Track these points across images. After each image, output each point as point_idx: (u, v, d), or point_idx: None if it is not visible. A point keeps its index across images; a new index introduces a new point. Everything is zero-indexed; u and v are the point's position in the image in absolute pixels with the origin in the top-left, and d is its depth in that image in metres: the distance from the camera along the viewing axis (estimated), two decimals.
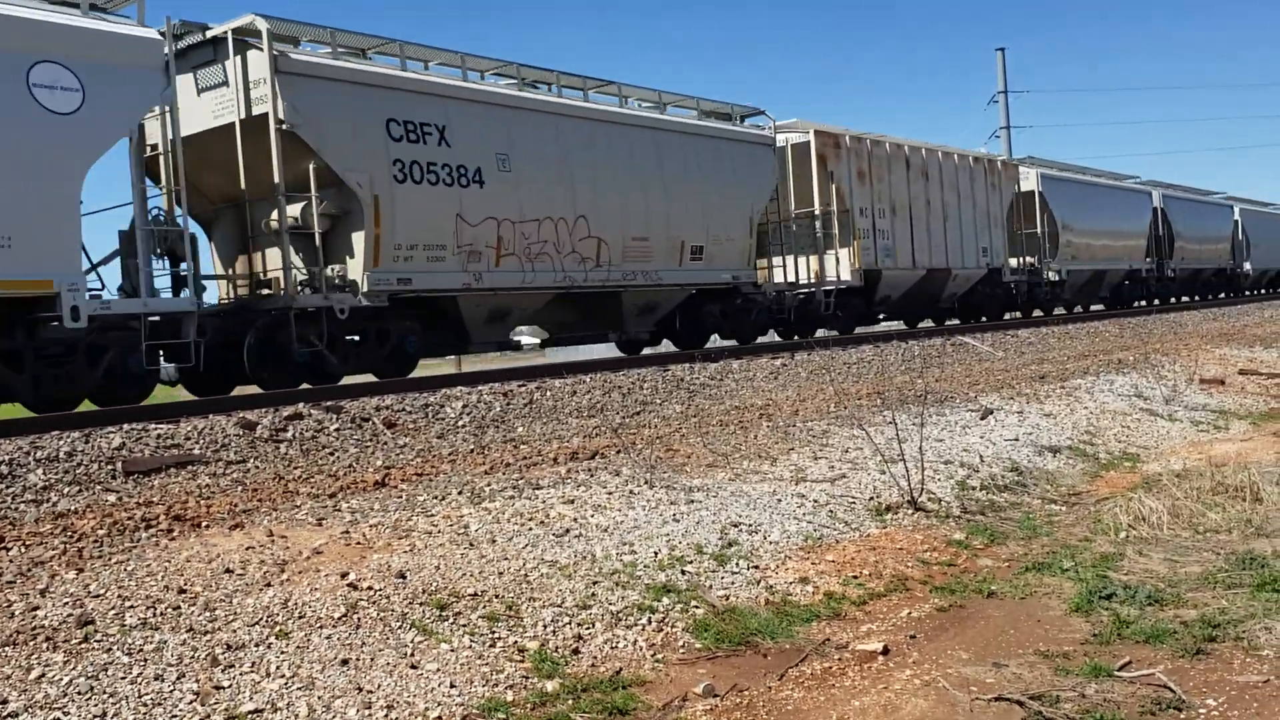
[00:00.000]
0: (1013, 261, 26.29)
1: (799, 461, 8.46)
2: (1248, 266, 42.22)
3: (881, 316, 23.23)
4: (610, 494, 6.96)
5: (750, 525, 6.66)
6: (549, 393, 11.00)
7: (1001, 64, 45.55)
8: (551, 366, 13.24)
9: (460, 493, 6.86)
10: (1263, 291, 45.12)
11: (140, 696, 3.96)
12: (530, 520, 6.26)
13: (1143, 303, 33.89)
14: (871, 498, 7.62)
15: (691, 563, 5.94)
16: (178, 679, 4.10)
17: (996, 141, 44.18)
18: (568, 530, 6.12)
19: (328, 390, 10.91)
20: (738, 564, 6.04)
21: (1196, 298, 38.33)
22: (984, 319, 25.20)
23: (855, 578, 6.13)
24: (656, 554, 5.96)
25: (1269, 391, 14.50)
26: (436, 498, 6.75)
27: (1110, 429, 11.09)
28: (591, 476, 7.41)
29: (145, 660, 4.20)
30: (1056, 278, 28.25)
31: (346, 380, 12.57)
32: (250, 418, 8.91)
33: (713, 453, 8.57)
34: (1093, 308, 32.79)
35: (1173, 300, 35.91)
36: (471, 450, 8.64)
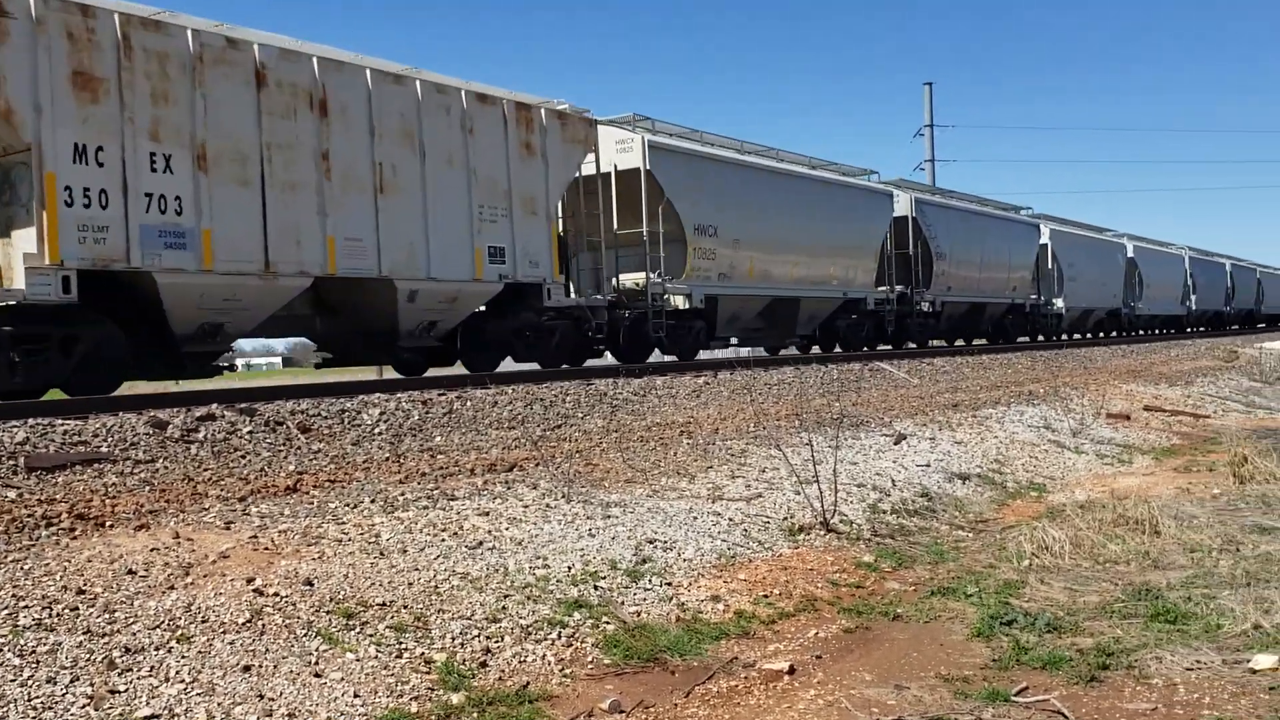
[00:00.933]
0: (617, 283, 16.65)
1: (717, 480, 8.52)
2: (1059, 304, 33.51)
3: (226, 365, 12.70)
4: (526, 507, 6.94)
5: (665, 542, 6.70)
6: (470, 403, 10.94)
7: (928, 98, 46.55)
8: (475, 376, 13.15)
9: (373, 501, 6.79)
10: (1086, 337, 37.08)
11: (30, 700, 3.85)
12: (444, 531, 6.22)
13: (881, 346, 24.27)
14: (785, 518, 7.71)
15: (605, 578, 5.95)
16: (71, 682, 3.99)
17: (922, 174, 45.03)
18: (481, 542, 6.10)
19: (243, 391, 10.71)
20: (651, 580, 6.07)
21: (962, 341, 29.48)
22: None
23: (766, 597, 6.19)
24: (570, 568, 5.96)
25: (1172, 428, 14.98)
26: (349, 505, 6.67)
27: (1019, 459, 11.36)
28: (508, 489, 7.39)
29: (38, 663, 4.09)
30: (685, 304, 18.13)
31: (265, 381, 12.33)
32: (161, 416, 8.72)
33: (632, 468, 8.60)
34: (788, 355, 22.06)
35: (935, 344, 27.06)
36: (387, 458, 8.56)
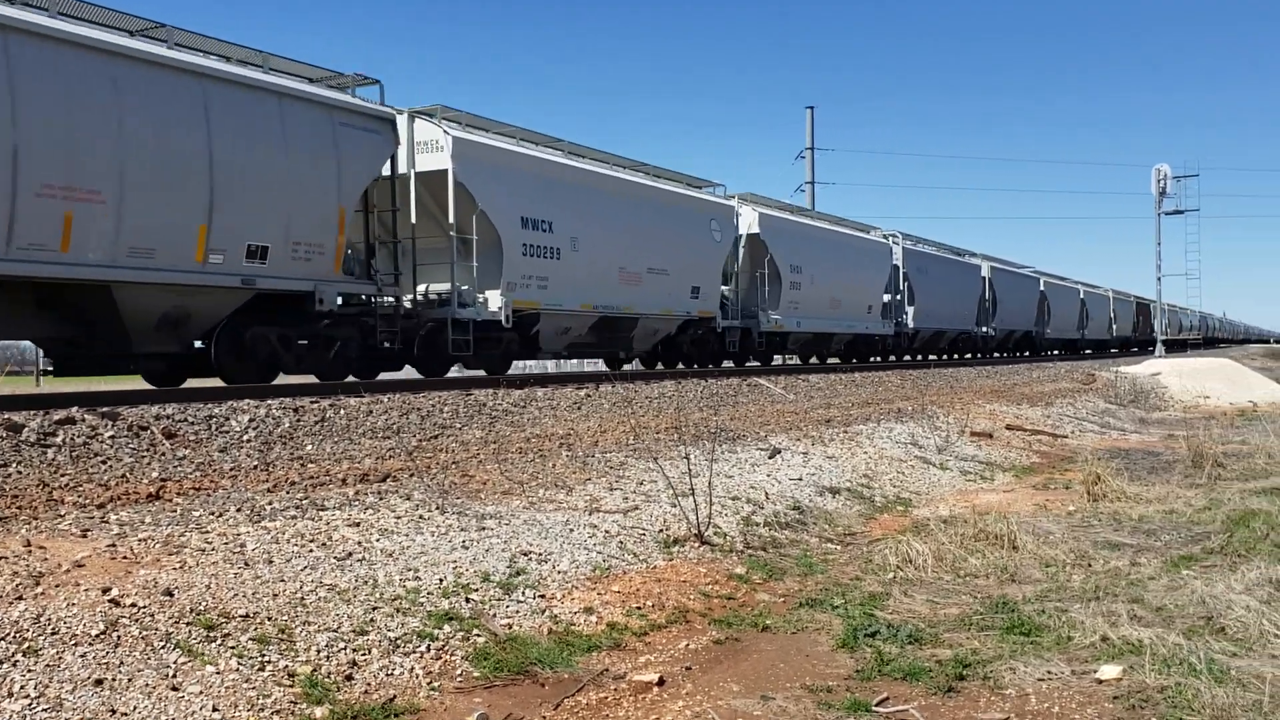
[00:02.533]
0: None
1: (595, 492, 8.54)
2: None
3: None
4: (399, 518, 6.85)
5: (540, 554, 6.69)
6: (343, 411, 10.75)
7: (810, 121, 47.58)
8: (348, 385, 12.92)
9: (239, 510, 6.62)
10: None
11: None
12: (312, 542, 6.09)
13: None
14: (661, 530, 7.76)
15: (477, 591, 5.91)
16: None
17: (802, 195, 45.86)
18: (350, 554, 5.99)
19: (104, 395, 10.32)
20: (524, 593, 6.05)
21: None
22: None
23: (639, 609, 6.23)
24: (441, 581, 5.90)
25: (1031, 447, 15.58)
26: (214, 514, 6.49)
27: (887, 473, 11.67)
28: (381, 499, 7.28)
29: None
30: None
31: (139, 384, 11.96)
32: (16, 419, 8.34)
33: (509, 480, 8.55)
34: None
35: None
36: (255, 466, 8.35)
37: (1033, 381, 27.01)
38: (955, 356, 38.74)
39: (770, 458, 10.98)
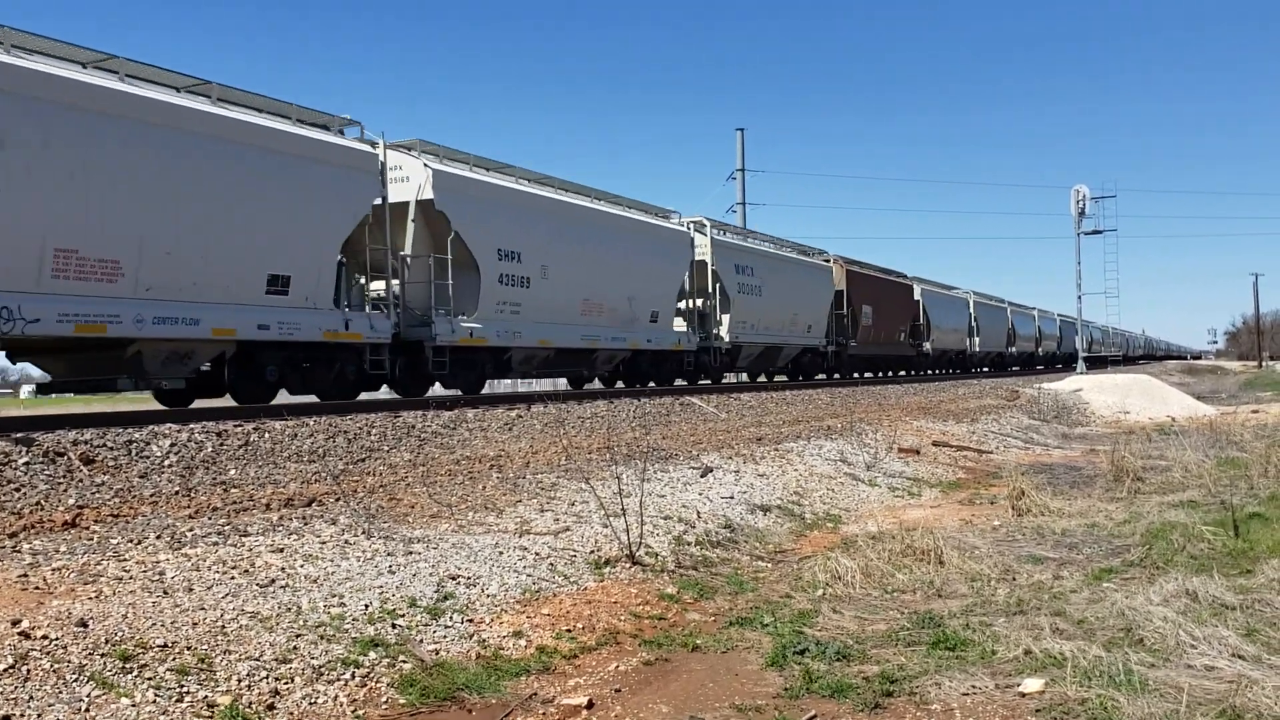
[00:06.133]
0: None
1: (525, 514, 8.49)
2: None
3: None
4: (324, 543, 6.74)
5: (469, 578, 6.62)
6: (267, 435, 10.56)
7: (740, 143, 48.00)
8: (271, 408, 12.71)
9: (159, 537, 6.46)
10: None
11: None
12: (234, 569, 5.97)
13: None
14: (592, 551, 7.74)
15: (404, 616, 5.83)
16: None
17: (733, 216, 46.29)
18: (274, 580, 5.88)
19: (17, 420, 10.03)
20: (452, 617, 5.99)
21: None
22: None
23: (569, 631, 6.19)
24: (367, 606, 5.82)
25: (957, 462, 15.82)
26: (132, 541, 6.33)
27: (816, 490, 11.77)
28: (305, 525, 7.16)
29: None
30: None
31: (60, 409, 11.63)
32: None
33: (438, 503, 8.47)
34: None
35: None
36: (177, 492, 8.17)
37: (958, 399, 27.44)
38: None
39: (702, 476, 11.01)
